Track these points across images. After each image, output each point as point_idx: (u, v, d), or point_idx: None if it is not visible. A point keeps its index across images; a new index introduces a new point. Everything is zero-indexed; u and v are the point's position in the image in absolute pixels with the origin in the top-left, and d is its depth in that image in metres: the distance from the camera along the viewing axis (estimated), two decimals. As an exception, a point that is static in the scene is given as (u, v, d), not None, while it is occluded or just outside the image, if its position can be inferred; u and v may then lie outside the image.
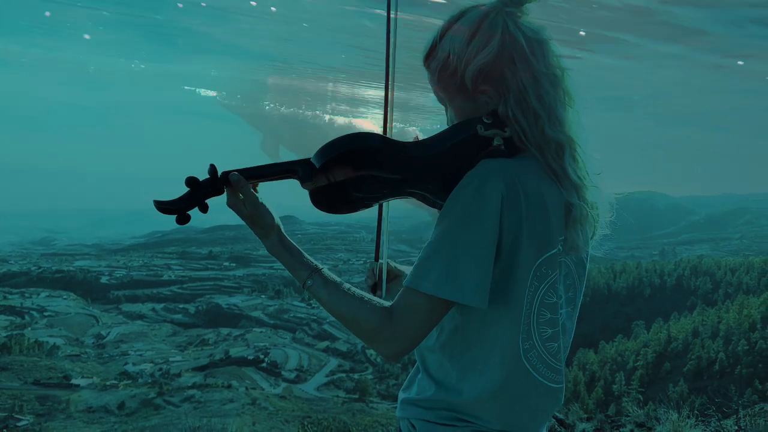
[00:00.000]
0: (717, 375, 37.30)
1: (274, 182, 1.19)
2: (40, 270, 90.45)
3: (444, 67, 1.17)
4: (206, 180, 1.13)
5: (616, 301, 64.76)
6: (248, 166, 1.17)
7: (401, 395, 1.28)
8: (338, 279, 1.16)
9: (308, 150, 1.17)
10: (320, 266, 1.16)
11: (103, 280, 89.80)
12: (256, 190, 1.18)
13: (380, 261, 1.42)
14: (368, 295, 1.12)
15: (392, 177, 1.15)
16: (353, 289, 1.14)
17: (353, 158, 1.12)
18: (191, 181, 1.12)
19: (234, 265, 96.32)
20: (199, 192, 1.12)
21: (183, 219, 1.12)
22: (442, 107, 1.25)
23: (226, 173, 1.14)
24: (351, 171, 1.14)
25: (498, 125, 1.13)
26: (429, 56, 1.19)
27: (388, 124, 1.32)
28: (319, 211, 1.21)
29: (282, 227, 1.18)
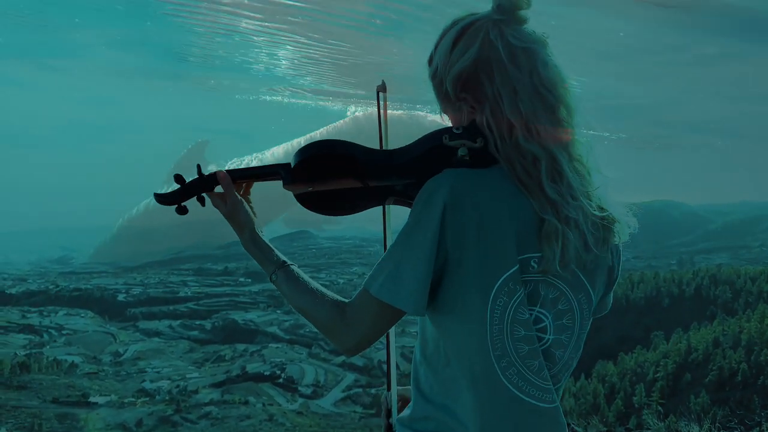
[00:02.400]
0: (739, 386, 36.68)
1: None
2: (58, 288, 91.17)
3: (433, 77, 1.20)
4: (194, 178, 1.26)
5: (635, 311, 64.06)
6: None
7: (399, 416, 1.30)
8: (304, 276, 1.23)
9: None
10: (288, 263, 1.24)
11: (120, 297, 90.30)
12: (245, 191, 1.31)
13: (390, 392, 1.44)
14: (329, 292, 1.19)
15: (363, 185, 1.20)
16: (315, 285, 1.21)
17: (321, 163, 1.18)
18: (178, 178, 1.25)
19: (249, 280, 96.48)
20: (188, 187, 1.25)
21: (180, 210, 1.27)
22: None
23: (214, 172, 1.27)
24: (326, 177, 1.20)
25: (469, 135, 1.13)
26: (429, 64, 1.22)
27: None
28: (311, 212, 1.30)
29: (256, 226, 1.28)
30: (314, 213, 1.30)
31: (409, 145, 1.18)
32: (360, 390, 61.32)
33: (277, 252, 1.27)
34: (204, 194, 1.27)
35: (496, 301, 1.10)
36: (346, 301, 1.16)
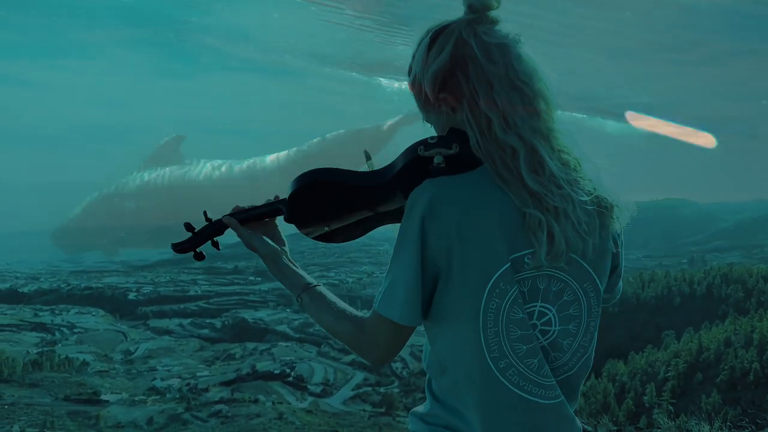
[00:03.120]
0: (751, 386, 36.41)
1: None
2: (69, 287, 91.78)
3: (412, 85, 1.22)
4: (203, 227, 1.33)
5: (645, 310, 63.73)
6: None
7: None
8: (329, 295, 1.28)
9: None
10: (313, 284, 1.29)
11: (131, 296, 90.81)
12: (273, 223, 1.39)
13: None
14: (350, 309, 1.23)
15: (354, 208, 1.24)
16: (338, 304, 1.24)
17: (309, 193, 1.22)
18: (188, 227, 1.33)
19: (259, 279, 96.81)
20: (198, 235, 1.33)
21: (197, 256, 1.37)
22: None
23: (221, 219, 1.34)
24: (313, 207, 1.25)
25: (444, 143, 1.15)
26: (408, 78, 1.24)
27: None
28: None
29: (280, 251, 1.35)
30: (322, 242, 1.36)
31: (390, 163, 1.20)
32: (369, 389, 61.33)
33: (302, 274, 1.31)
34: (217, 239, 1.36)
35: (489, 304, 1.11)
36: (365, 317, 1.20)
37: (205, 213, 1.30)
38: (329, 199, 1.23)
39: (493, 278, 1.11)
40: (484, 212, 1.10)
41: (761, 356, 38.66)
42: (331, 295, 1.27)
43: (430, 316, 1.17)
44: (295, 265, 1.33)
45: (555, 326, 1.17)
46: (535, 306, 1.15)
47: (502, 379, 1.14)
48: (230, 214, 1.33)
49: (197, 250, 1.33)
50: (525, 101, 1.13)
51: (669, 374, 41.63)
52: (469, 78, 1.14)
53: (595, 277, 1.21)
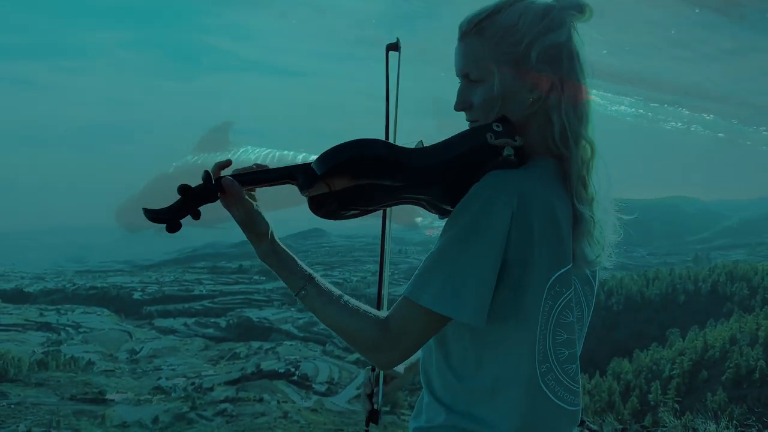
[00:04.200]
0: (757, 383, 36.29)
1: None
2: (74, 287, 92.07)
3: (507, 33, 1.10)
4: (198, 187, 1.08)
5: (650, 308, 63.57)
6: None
7: (412, 423, 1.25)
8: (332, 288, 1.13)
9: None
10: (314, 274, 1.14)
11: (136, 295, 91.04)
12: (253, 196, 1.15)
13: (375, 372, 1.40)
14: (363, 306, 1.11)
15: (394, 185, 1.09)
16: (347, 298, 1.11)
17: (356, 166, 1.05)
18: (183, 189, 1.07)
19: (264, 278, 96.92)
20: (191, 200, 1.07)
21: (173, 227, 1.07)
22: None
23: (219, 179, 1.10)
24: (353, 179, 1.08)
25: (509, 133, 1.07)
26: (485, 19, 1.12)
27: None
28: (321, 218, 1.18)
29: (274, 234, 1.15)
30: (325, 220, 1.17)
31: (442, 143, 1.09)
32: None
33: (300, 263, 1.15)
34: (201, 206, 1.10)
35: (545, 305, 1.07)
36: (385, 314, 1.09)
37: (206, 173, 1.09)
38: (367, 173, 1.07)
39: (553, 278, 1.06)
40: (559, 211, 1.06)
41: (767, 354, 38.54)
42: (333, 288, 1.14)
43: None
44: (288, 250, 1.17)
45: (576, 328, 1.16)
46: (576, 310, 1.13)
47: (542, 385, 1.09)
48: (233, 176, 1.11)
49: (178, 220, 1.07)
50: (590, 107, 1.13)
51: (674, 372, 41.52)
52: (574, 68, 1.11)
53: (592, 281, 1.22)
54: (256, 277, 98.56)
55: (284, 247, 1.15)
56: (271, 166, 1.14)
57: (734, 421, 4.80)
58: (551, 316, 1.08)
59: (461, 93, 1.16)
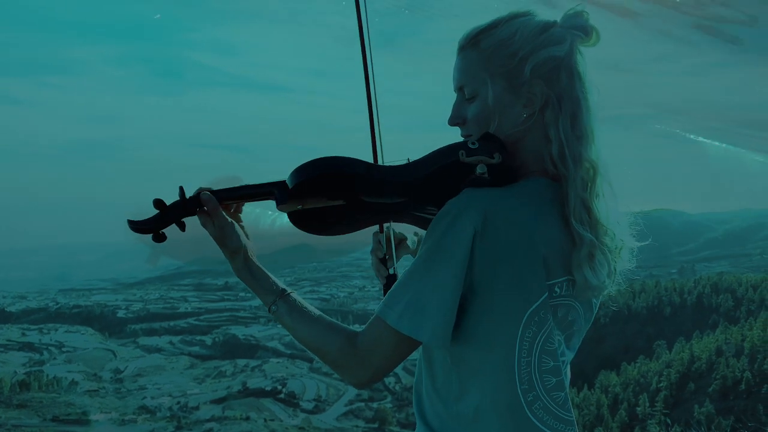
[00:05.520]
0: (743, 395, 36.44)
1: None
2: (57, 306, 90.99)
3: (502, 45, 1.08)
4: (175, 201, 1.10)
5: (637, 321, 63.90)
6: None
7: None
8: (305, 304, 1.12)
9: None
10: (287, 290, 1.12)
11: (120, 314, 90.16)
12: (235, 210, 1.18)
13: (386, 229, 1.37)
14: (335, 322, 1.09)
15: (369, 202, 1.09)
16: (320, 314, 1.10)
17: (327, 183, 1.05)
18: (158, 203, 1.09)
19: (250, 295, 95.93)
20: (168, 213, 1.09)
21: (158, 237, 1.10)
22: None
23: (198, 193, 1.11)
24: (325, 196, 1.08)
25: (486, 151, 1.04)
26: (482, 33, 1.09)
27: (377, 143, 1.28)
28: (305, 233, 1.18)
29: (250, 250, 1.15)
30: (309, 234, 1.18)
31: (418, 160, 1.06)
32: (362, 404, 61.00)
33: (274, 278, 1.15)
34: (185, 219, 1.12)
35: (526, 332, 1.03)
36: (357, 331, 1.07)
37: (181, 189, 1.10)
38: (339, 190, 1.07)
39: (535, 305, 1.03)
40: (531, 234, 1.02)
41: (752, 365, 38.75)
42: (308, 305, 1.12)
43: (457, 338, 1.04)
44: (264, 267, 1.16)
45: (564, 356, 1.12)
46: (560, 336, 1.10)
47: (528, 413, 1.06)
48: (211, 190, 1.11)
49: (161, 231, 1.09)
50: (595, 126, 1.09)
51: (661, 384, 41.62)
52: (574, 85, 1.07)
53: (594, 309, 1.17)
54: (242, 294, 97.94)
55: (259, 264, 1.15)
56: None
57: (724, 434, 4.78)
58: (536, 342, 1.04)
59: (455, 107, 1.13)
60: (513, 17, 1.10)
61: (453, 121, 1.14)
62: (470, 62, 1.10)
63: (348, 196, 1.09)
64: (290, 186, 1.06)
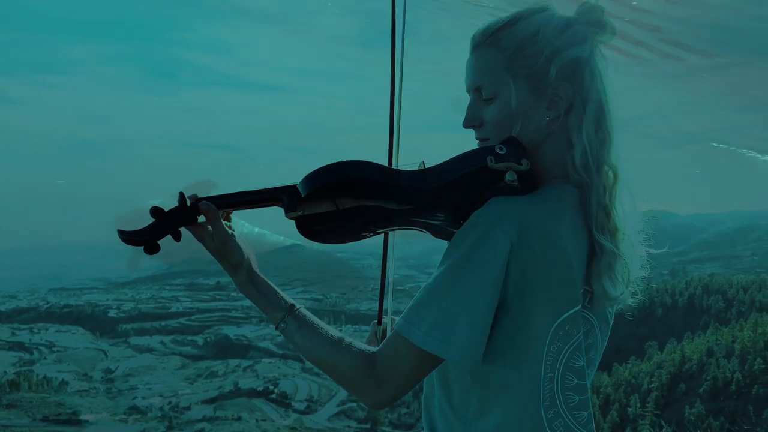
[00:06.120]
0: (734, 395, 36.62)
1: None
2: (48, 305, 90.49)
3: (525, 45, 1.01)
4: (173, 209, 1.00)
5: (628, 322, 63.58)
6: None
7: None
8: (315, 319, 1.04)
9: None
10: (296, 305, 1.05)
11: (111, 313, 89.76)
12: (229, 219, 1.08)
13: (384, 323, 1.31)
14: (348, 338, 1.01)
15: (385, 209, 1.00)
16: (331, 330, 1.02)
17: (342, 188, 0.97)
18: (156, 212, 0.99)
19: (241, 295, 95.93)
20: (165, 222, 1.00)
21: (151, 249, 0.99)
22: None
23: (196, 201, 1.01)
24: (338, 202, 0.99)
25: (514, 156, 0.98)
26: (501, 30, 1.02)
27: (393, 149, 1.22)
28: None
29: (254, 262, 1.07)
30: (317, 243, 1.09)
31: (439, 166, 0.99)
32: (354, 404, 60.90)
33: (281, 292, 1.06)
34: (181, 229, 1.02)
35: (551, 347, 0.98)
36: (373, 349, 0.99)
37: (181, 195, 1.00)
38: (357, 197, 0.99)
39: (561, 318, 0.97)
40: (570, 245, 0.97)
41: (743, 366, 38.94)
42: (317, 320, 1.05)
43: (483, 356, 0.98)
44: (269, 280, 1.08)
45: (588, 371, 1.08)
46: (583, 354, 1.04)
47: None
48: (210, 198, 1.02)
49: (155, 242, 1.00)
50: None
51: (653, 385, 41.74)
52: (596, 86, 1.01)
53: (610, 320, 1.14)
54: (234, 294, 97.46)
55: (264, 277, 1.07)
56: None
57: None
58: (560, 358, 0.99)
59: (471, 109, 1.06)
60: (532, 13, 1.03)
61: (468, 123, 1.06)
62: (489, 62, 1.03)
63: (364, 203, 1.00)
64: (303, 193, 0.98)
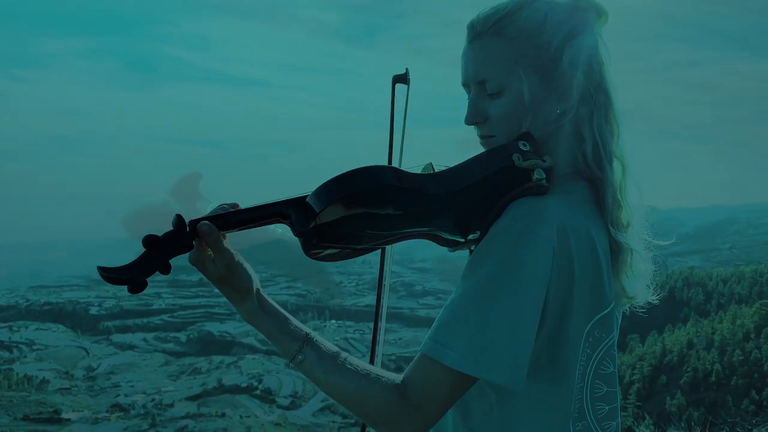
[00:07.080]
0: (713, 387, 37.17)
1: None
2: (28, 303, 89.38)
3: (533, 34, 0.93)
4: (169, 235, 0.87)
5: (610, 315, 64.72)
6: (234, 195, 0.91)
7: None
8: (332, 347, 0.92)
9: None
10: (311, 333, 0.92)
11: (93, 311, 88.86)
12: (225, 238, 0.93)
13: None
14: (371, 367, 0.89)
15: (403, 216, 0.89)
16: (352, 359, 0.90)
17: (361, 199, 0.86)
18: (150, 242, 0.85)
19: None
20: (159, 253, 0.86)
21: (137, 287, 0.85)
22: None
23: (195, 223, 0.87)
24: (352, 214, 0.87)
25: (536, 153, 0.90)
26: (504, 18, 0.93)
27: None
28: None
29: (261, 288, 0.94)
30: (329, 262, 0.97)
31: (458, 167, 0.90)
32: (338, 399, 60.90)
33: (293, 318, 0.94)
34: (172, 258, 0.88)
35: (582, 355, 0.91)
36: (400, 377, 0.87)
37: (179, 218, 0.87)
38: (373, 206, 0.87)
39: (591, 323, 0.91)
40: (599, 244, 0.91)
41: (722, 357, 39.51)
42: (334, 348, 0.92)
43: None
44: (277, 305, 0.96)
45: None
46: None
47: None
48: (207, 218, 0.88)
49: (142, 279, 0.85)
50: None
51: (634, 378, 42.21)
52: (604, 75, 0.96)
53: (619, 319, 1.08)
54: (217, 290, 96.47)
55: (273, 303, 0.95)
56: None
57: (707, 429, 4.80)
58: (589, 366, 0.93)
59: (474, 104, 0.96)
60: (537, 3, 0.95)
61: (472, 120, 0.96)
62: (494, 53, 0.93)
63: (382, 212, 0.89)
64: (318, 208, 0.86)
